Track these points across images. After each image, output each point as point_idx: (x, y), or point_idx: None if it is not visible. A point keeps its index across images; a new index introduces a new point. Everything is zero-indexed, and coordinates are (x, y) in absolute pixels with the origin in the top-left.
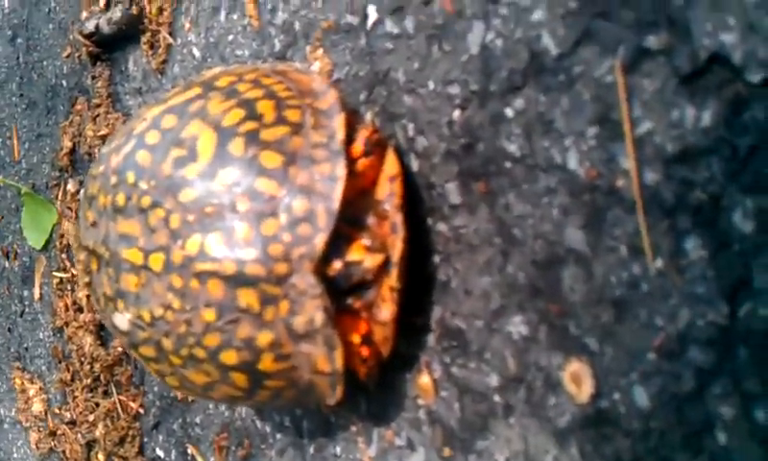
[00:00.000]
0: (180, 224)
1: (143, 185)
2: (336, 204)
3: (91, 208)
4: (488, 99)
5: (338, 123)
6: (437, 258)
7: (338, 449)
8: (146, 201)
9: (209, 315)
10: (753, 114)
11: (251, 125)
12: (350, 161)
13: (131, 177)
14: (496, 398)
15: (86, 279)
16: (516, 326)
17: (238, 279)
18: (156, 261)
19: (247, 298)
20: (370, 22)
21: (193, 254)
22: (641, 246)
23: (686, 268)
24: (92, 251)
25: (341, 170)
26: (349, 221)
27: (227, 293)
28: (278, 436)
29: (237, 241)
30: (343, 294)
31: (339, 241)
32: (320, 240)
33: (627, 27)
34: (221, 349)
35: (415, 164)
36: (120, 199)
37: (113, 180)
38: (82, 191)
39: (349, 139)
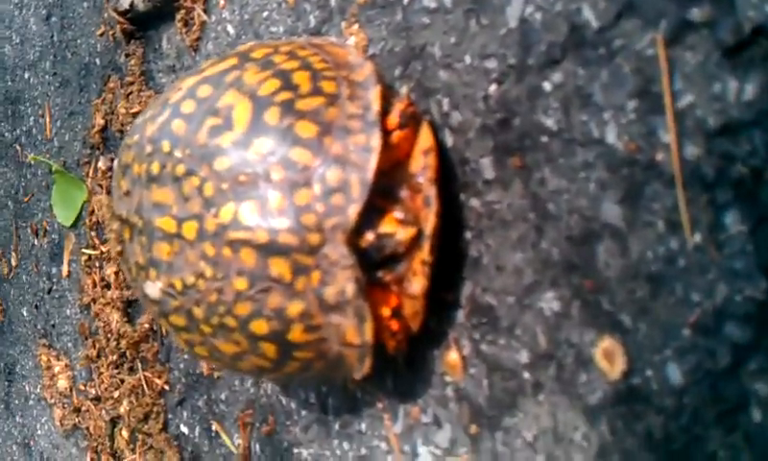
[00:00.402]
0: (215, 192)
1: (178, 154)
2: (370, 175)
3: (125, 178)
4: (525, 73)
5: (374, 95)
6: (469, 234)
7: (363, 426)
8: (180, 169)
9: (241, 284)
10: None
11: (286, 95)
12: (385, 133)
13: (166, 145)
14: (526, 375)
15: (119, 249)
16: (549, 302)
17: (271, 249)
18: (190, 229)
19: (279, 267)
20: None
21: (226, 222)
22: (680, 220)
23: (725, 243)
24: (125, 220)
25: (375, 141)
26: (383, 193)
27: (258, 262)
28: (303, 413)
29: (270, 210)
30: (374, 266)
31: (372, 213)
32: (353, 211)
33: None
34: (251, 318)
35: (449, 139)
36: (155, 167)
37: (148, 148)
38: (115, 161)
39: (385, 112)
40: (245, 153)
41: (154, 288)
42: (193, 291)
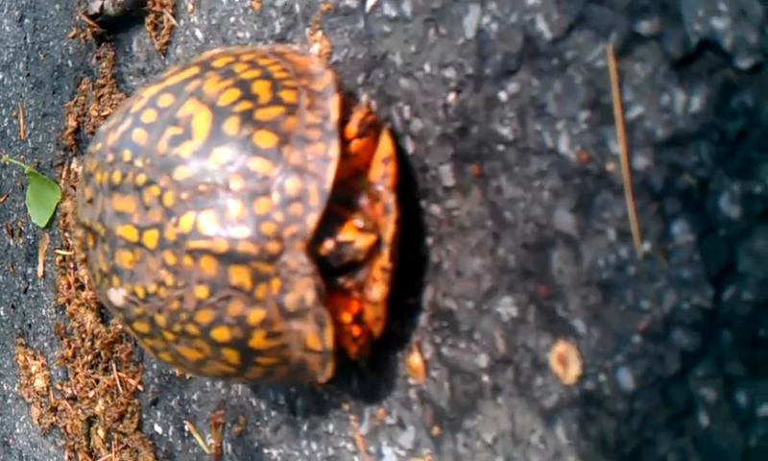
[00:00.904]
0: (174, 201)
1: (139, 163)
2: (328, 184)
3: (88, 186)
4: (482, 82)
5: (333, 104)
6: (429, 240)
7: (330, 427)
8: (141, 178)
9: (202, 292)
10: (742, 100)
11: (246, 105)
12: (344, 142)
13: (127, 155)
14: (485, 378)
15: (83, 256)
16: (506, 307)
17: (230, 257)
18: (151, 238)
19: (239, 275)
20: (368, 5)
21: (186, 231)
22: (629, 229)
23: (673, 252)
24: (89, 227)
25: (334, 151)
26: (342, 201)
27: (219, 270)
28: (273, 413)
29: (230, 219)
30: (334, 273)
31: (331, 221)
32: (311, 220)
33: (619, 12)
34: (213, 325)
35: (410, 147)
36: (116, 176)
37: (110, 157)
38: (80, 169)
39: (344, 121)
40: (204, 162)
41: (117, 295)
42: (155, 299)
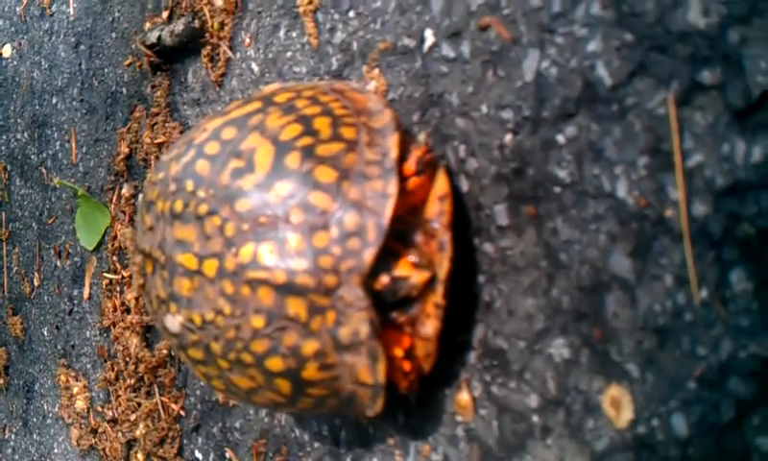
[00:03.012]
0: (235, 232)
1: (201, 194)
2: (386, 220)
3: (149, 213)
4: (540, 125)
5: (392, 142)
6: (482, 278)
7: None
8: (203, 208)
9: (258, 322)
10: None
11: (307, 140)
12: (402, 179)
13: (189, 185)
14: (535, 418)
15: (141, 282)
16: (558, 348)
17: (288, 289)
18: (210, 267)
19: (295, 307)
20: (426, 45)
21: (246, 261)
22: (687, 276)
23: (731, 300)
24: (148, 254)
25: (392, 188)
26: (398, 237)
27: (276, 301)
28: (316, 445)
29: (289, 251)
30: (388, 308)
31: (387, 256)
32: (368, 255)
33: (681, 61)
34: (267, 355)
35: (465, 185)
36: (178, 205)
37: (172, 187)
38: (140, 196)
39: (402, 158)
40: (266, 195)
41: (174, 322)
42: (212, 327)
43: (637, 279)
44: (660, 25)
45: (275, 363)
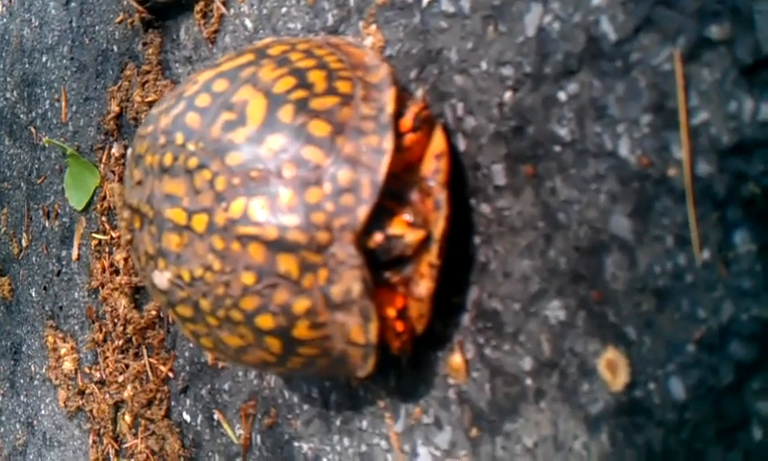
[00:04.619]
0: (226, 186)
1: (191, 147)
2: (381, 176)
3: (138, 167)
4: (541, 82)
5: (388, 97)
6: (478, 239)
7: (364, 423)
8: (193, 162)
9: (248, 278)
10: None
11: (301, 93)
12: (398, 136)
13: (179, 138)
14: (528, 381)
15: (128, 237)
16: (554, 310)
17: (279, 245)
18: (199, 222)
19: (286, 264)
20: (425, 0)
21: (236, 217)
22: (689, 237)
23: (733, 261)
24: (136, 209)
25: (388, 143)
26: (393, 195)
27: (267, 258)
28: (305, 407)
29: (281, 207)
30: (381, 267)
31: (381, 214)
32: (362, 212)
33: (689, 16)
34: (257, 312)
35: (462, 144)
36: (167, 159)
37: (162, 140)
38: (129, 150)
39: (399, 114)
40: (257, 149)
41: (162, 278)
42: (200, 283)
43: (638, 239)
44: None
45: (264, 321)
